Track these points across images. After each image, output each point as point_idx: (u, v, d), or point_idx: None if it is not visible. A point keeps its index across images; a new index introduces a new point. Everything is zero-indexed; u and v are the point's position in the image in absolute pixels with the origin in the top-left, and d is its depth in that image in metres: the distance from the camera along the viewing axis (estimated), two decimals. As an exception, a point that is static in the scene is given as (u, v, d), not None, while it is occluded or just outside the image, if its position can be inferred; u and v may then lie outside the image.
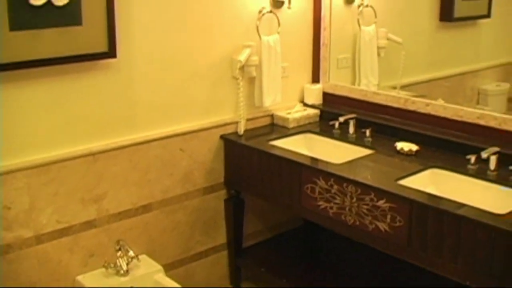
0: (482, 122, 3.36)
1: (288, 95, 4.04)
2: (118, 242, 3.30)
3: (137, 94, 3.37)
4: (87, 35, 3.06)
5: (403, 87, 4.16)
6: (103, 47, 3.13)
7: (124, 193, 3.40)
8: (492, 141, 3.25)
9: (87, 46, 3.08)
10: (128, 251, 3.28)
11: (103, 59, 3.17)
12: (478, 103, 4.41)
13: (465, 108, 3.47)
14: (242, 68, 3.70)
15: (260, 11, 3.77)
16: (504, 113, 3.47)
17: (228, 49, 3.69)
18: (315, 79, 4.19)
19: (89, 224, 3.31)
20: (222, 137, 3.75)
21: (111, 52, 3.16)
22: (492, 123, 3.32)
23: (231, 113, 3.78)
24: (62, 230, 3.21)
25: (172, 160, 3.57)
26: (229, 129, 3.77)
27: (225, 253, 3.98)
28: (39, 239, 3.13)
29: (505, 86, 4.45)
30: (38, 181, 3.07)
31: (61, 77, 3.08)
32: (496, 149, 3.12)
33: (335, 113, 3.87)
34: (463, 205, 2.75)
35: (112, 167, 3.33)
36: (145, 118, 3.43)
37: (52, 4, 2.88)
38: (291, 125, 3.89)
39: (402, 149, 3.40)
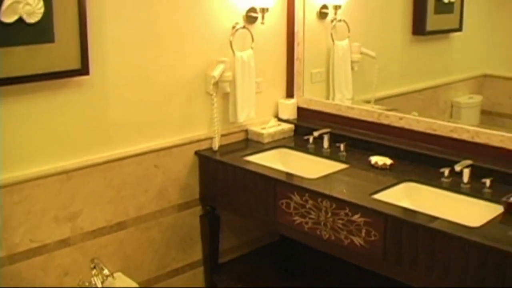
0: (455, 135, 3.39)
1: (263, 110, 4.04)
2: (92, 260, 3.26)
3: (111, 111, 3.35)
4: (59, 52, 3.05)
5: (377, 100, 4.18)
6: (76, 64, 3.11)
7: (98, 211, 3.38)
8: (465, 154, 3.28)
9: (59, 64, 3.06)
10: (103, 269, 3.24)
11: (76, 76, 3.15)
12: (451, 115, 4.44)
13: (438, 122, 3.50)
14: (216, 83, 3.70)
15: (233, 27, 3.78)
16: (477, 126, 3.50)
17: (202, 65, 3.69)
18: (289, 93, 4.20)
19: (63, 243, 3.28)
20: (196, 153, 3.74)
21: (84, 69, 3.14)
22: (465, 136, 3.35)
23: (205, 129, 3.77)
24: (35, 249, 3.18)
25: (146, 176, 3.55)
26: (204, 145, 3.76)
27: (201, 269, 3.96)
28: (12, 258, 3.10)
29: (478, 98, 4.49)
30: (11, 199, 3.04)
31: (34, 94, 3.05)
32: (469, 162, 3.14)
33: (309, 128, 3.88)
34: (436, 219, 2.77)
35: (86, 185, 3.30)
36: (119, 135, 3.41)
37: (24, 22, 2.86)
38: (265, 140, 3.89)
39: (376, 163, 3.42)
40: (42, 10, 2.90)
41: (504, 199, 2.84)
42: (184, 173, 3.72)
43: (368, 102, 4.18)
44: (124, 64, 3.36)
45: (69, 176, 3.23)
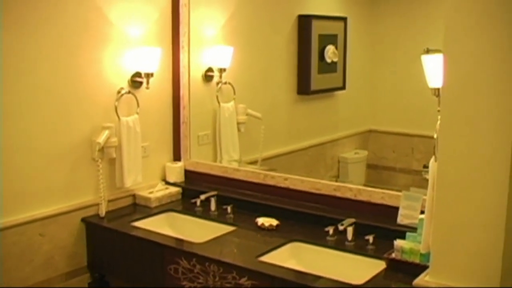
0: (338, 194, 3.48)
1: (150, 174, 4.04)
2: (-25, 337, 3.16)
3: (-8, 180, 3.28)
4: None
5: (265, 160, 4.25)
6: (-47, 134, 3.05)
7: (-21, 286, 3.28)
8: (349, 212, 3.37)
9: None
10: None
11: (-46, 147, 3.08)
12: (338, 170, 4.56)
13: (322, 181, 3.58)
14: (101, 149, 3.67)
15: (118, 92, 3.78)
16: (360, 184, 3.62)
17: (87, 131, 3.66)
18: (177, 157, 4.22)
19: None
20: (83, 220, 3.68)
21: (-38, 139, 3.07)
22: (348, 195, 3.44)
23: (92, 195, 3.73)
24: None
25: (31, 246, 3.46)
26: (91, 211, 3.71)
27: (91, 338, 3.88)
28: None
29: (363, 153, 4.64)
30: None
31: None
32: (352, 220, 3.23)
33: (197, 191, 3.90)
34: (320, 278, 2.81)
35: (-35, 259, 3.20)
36: (0, 205, 3.32)
37: None
38: (153, 205, 3.88)
39: (263, 224, 3.45)
40: None
41: (385, 255, 2.92)
42: (71, 241, 3.65)
43: (256, 162, 4.24)
44: (5, 131, 3.28)
45: None
